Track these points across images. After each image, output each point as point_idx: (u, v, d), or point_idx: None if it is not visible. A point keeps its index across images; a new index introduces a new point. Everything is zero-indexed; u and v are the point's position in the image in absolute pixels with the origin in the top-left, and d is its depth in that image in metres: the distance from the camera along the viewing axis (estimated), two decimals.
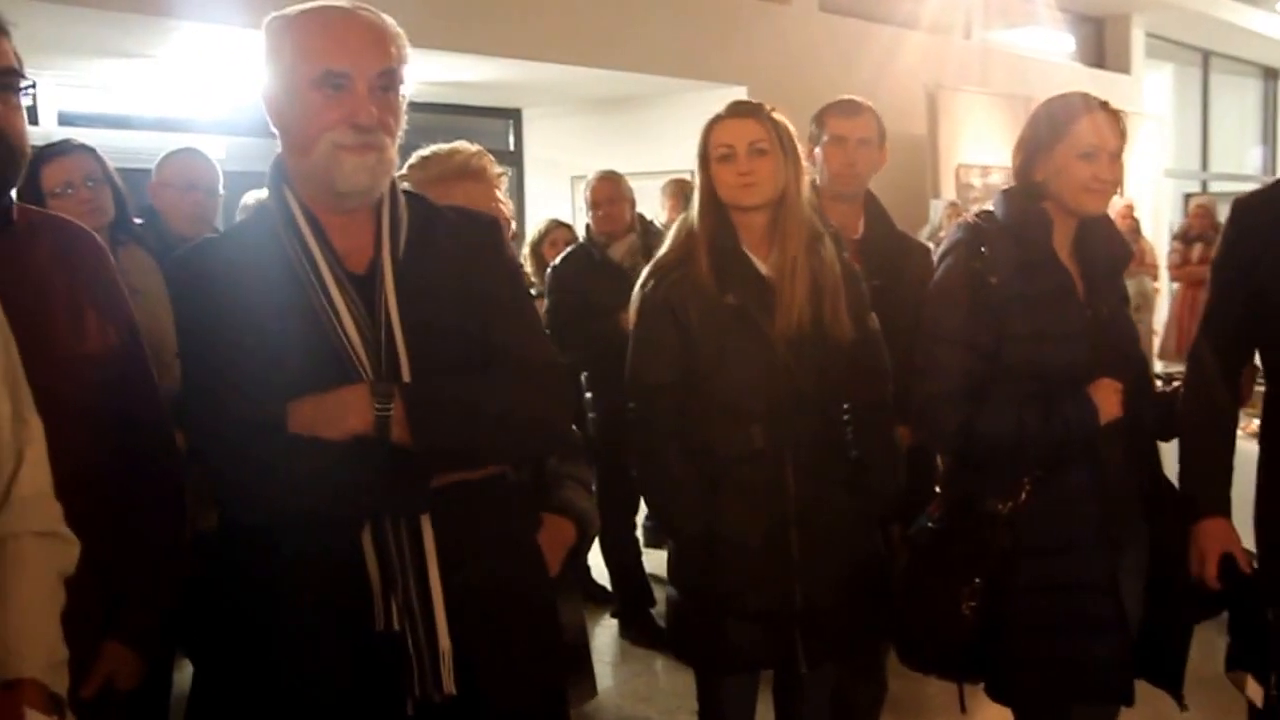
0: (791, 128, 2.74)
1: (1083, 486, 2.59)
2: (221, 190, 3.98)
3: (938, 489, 2.81)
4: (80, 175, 3.30)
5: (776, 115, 2.73)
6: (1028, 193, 2.66)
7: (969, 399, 2.58)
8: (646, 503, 2.94)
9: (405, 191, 2.03)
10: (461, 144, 2.52)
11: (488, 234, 2.07)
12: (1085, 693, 2.63)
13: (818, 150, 3.34)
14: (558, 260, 5.29)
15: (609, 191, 5.25)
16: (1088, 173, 2.58)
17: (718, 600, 2.69)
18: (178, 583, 2.15)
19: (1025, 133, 2.69)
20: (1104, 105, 2.63)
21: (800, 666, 2.72)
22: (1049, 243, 2.62)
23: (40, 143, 5.57)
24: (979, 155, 10.23)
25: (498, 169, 2.54)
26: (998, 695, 2.71)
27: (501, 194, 2.53)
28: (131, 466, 2.09)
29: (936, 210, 8.86)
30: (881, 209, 3.43)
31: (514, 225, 2.57)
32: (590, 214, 5.25)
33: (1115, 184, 2.63)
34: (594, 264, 5.12)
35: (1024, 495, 2.58)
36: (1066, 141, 2.59)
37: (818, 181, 3.33)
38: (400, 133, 1.95)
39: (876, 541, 2.87)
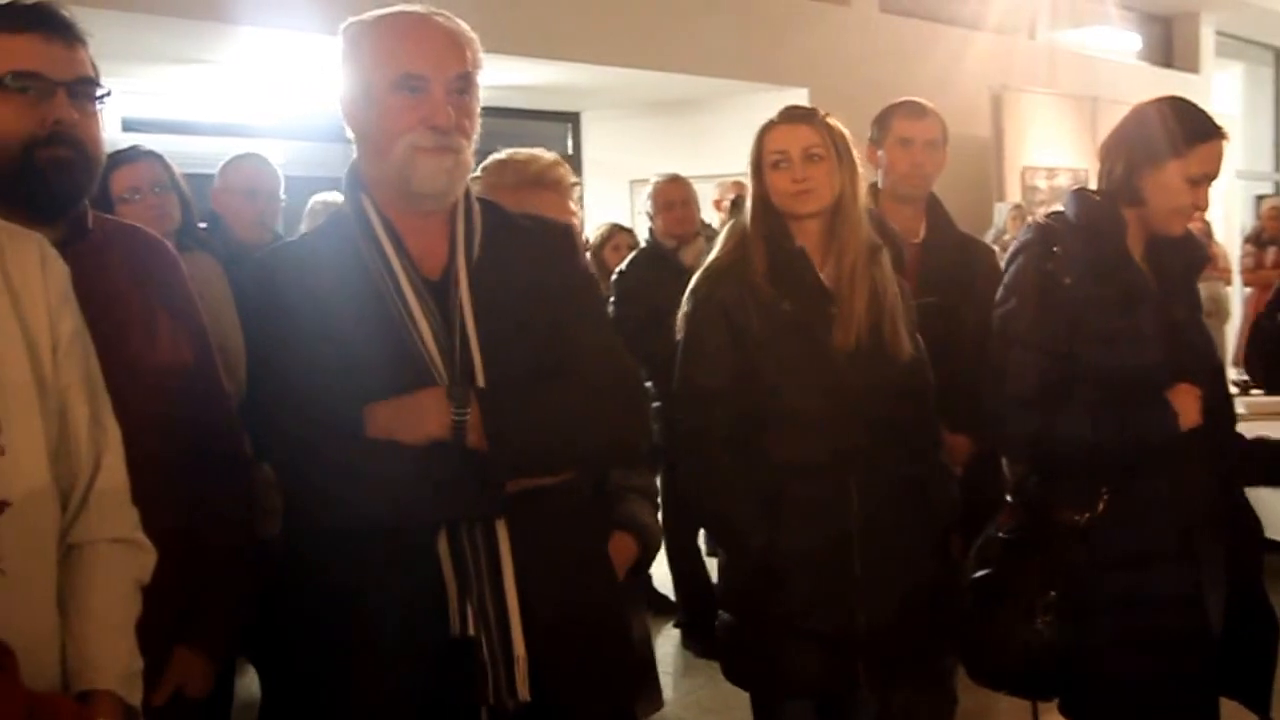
0: (847, 133, 2.68)
1: (1162, 496, 2.51)
2: (283, 195, 3.99)
3: (1008, 498, 2.73)
4: (148, 181, 3.33)
5: (831, 120, 2.67)
6: (1106, 194, 2.59)
7: (1042, 404, 2.51)
8: (699, 516, 2.87)
9: (479, 198, 2.03)
10: (539, 152, 2.51)
11: (562, 241, 2.07)
12: (1169, 712, 2.54)
13: (880, 153, 3.30)
14: (622, 266, 5.20)
15: (684, 193, 5.18)
16: (1188, 199, 2.52)
17: (775, 621, 2.59)
18: (247, 590, 2.16)
19: (1129, 136, 2.58)
20: (1220, 134, 2.55)
21: (862, 691, 2.63)
22: (1124, 244, 2.55)
23: (106, 149, 5.66)
24: (1045, 157, 10.10)
25: (572, 178, 2.53)
26: (1073, 713, 2.62)
27: (574, 204, 2.52)
28: (202, 473, 2.10)
29: (1001, 214, 8.76)
30: (944, 212, 3.37)
31: (586, 235, 2.53)
32: (660, 216, 5.14)
33: (1203, 212, 2.61)
34: (664, 268, 4.98)
35: (1101, 505, 2.51)
36: (1182, 161, 2.51)
37: (879, 184, 3.29)
38: (475, 136, 1.96)
39: (937, 559, 2.76)
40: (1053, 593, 2.52)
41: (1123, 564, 2.51)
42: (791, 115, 2.67)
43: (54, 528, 1.52)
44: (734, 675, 2.79)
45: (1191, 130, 2.52)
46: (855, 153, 2.67)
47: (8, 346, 1.48)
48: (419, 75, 1.86)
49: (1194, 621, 2.52)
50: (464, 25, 1.94)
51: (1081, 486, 2.53)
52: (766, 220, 2.65)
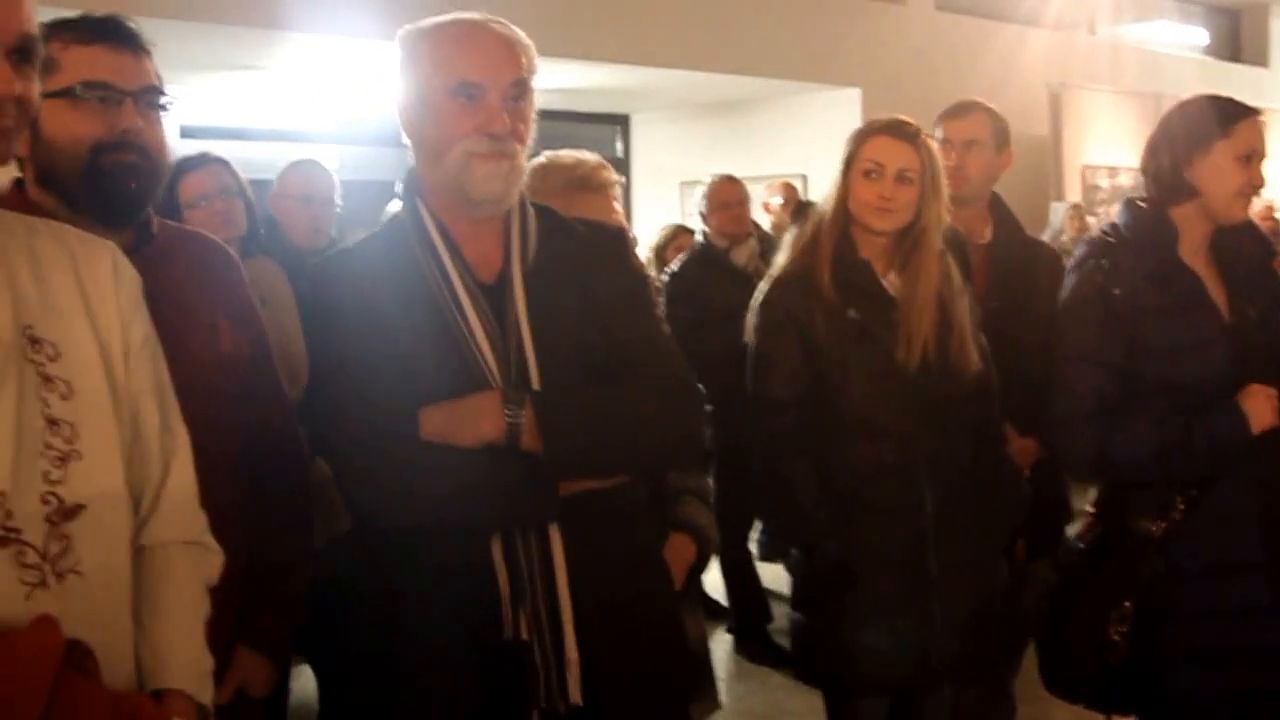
0: (940, 159, 2.67)
1: (1242, 503, 2.46)
2: (339, 201, 4.00)
3: (1090, 508, 2.70)
4: (215, 188, 3.37)
5: (931, 143, 2.67)
6: (1154, 199, 2.58)
7: (1103, 419, 2.49)
8: (772, 521, 2.89)
9: (533, 203, 2.05)
10: (583, 155, 2.52)
11: (615, 244, 2.09)
12: None
13: None
14: (674, 267, 5.21)
15: (739, 193, 5.19)
16: (1244, 178, 2.50)
17: (852, 620, 2.61)
18: (306, 591, 2.19)
19: (1170, 131, 2.58)
20: (1257, 111, 2.55)
21: (942, 687, 2.65)
22: (1174, 252, 2.53)
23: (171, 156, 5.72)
24: (1106, 156, 9.96)
25: (614, 178, 2.54)
26: None
27: (618, 204, 2.53)
28: (263, 475, 2.14)
29: (1058, 213, 8.64)
30: (1009, 214, 3.34)
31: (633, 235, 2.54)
32: (715, 216, 5.14)
33: (1260, 190, 2.57)
34: (717, 268, 5.02)
35: (1177, 515, 2.47)
36: (1229, 141, 2.50)
37: None
38: (530, 141, 1.97)
39: (1004, 562, 2.79)
40: (1126, 603, 2.49)
41: (1200, 575, 2.46)
42: (897, 131, 2.65)
43: (128, 531, 1.54)
44: (807, 674, 2.82)
45: (1228, 111, 2.53)
46: (944, 178, 2.67)
47: (82, 353, 1.50)
48: (475, 83, 1.88)
49: (1274, 636, 2.45)
50: (520, 32, 1.96)
51: (1156, 496, 2.50)
52: (839, 222, 2.66)
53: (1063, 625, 2.58)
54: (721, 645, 5.28)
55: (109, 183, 1.90)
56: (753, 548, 5.54)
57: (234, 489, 2.05)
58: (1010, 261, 3.18)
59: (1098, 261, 2.54)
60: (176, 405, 1.65)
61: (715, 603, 5.51)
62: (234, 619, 2.06)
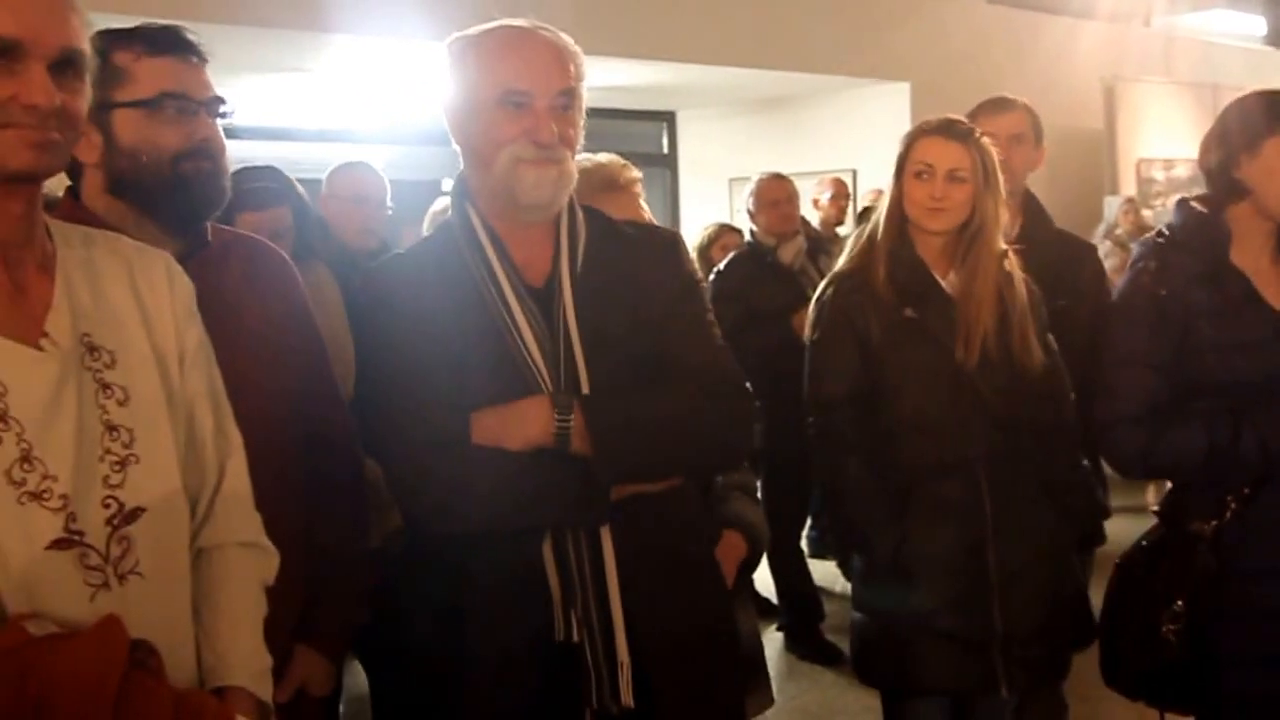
0: (995, 153, 2.67)
1: None
2: (390, 204, 3.99)
3: (1155, 508, 2.67)
4: (268, 232, 3.34)
5: (984, 141, 2.68)
6: (1208, 198, 2.54)
7: (1152, 420, 2.46)
8: (833, 519, 2.89)
9: (584, 207, 2.05)
10: (606, 156, 2.52)
11: (668, 249, 2.09)
12: None
13: None
14: (721, 266, 5.19)
15: (786, 190, 5.19)
16: None
17: (911, 622, 2.61)
18: (364, 591, 2.22)
19: (1225, 125, 2.52)
20: None
21: (1002, 690, 2.63)
22: (1225, 252, 2.48)
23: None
24: (1161, 148, 9.82)
25: (637, 175, 2.54)
26: None
27: (642, 201, 2.53)
28: (318, 476, 2.16)
29: (1111, 207, 8.52)
30: (1041, 209, 3.34)
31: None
32: (763, 214, 5.13)
33: None
34: (762, 267, 5.02)
35: (1228, 515, 2.43)
36: (1278, 139, 2.42)
37: None
38: (579, 145, 1.98)
39: (1073, 563, 2.78)
40: (1179, 602, 2.45)
41: (1252, 575, 2.42)
42: (947, 131, 2.67)
43: (186, 533, 1.59)
44: (867, 674, 2.83)
45: (1279, 108, 2.45)
46: (1000, 175, 2.67)
47: (138, 360, 1.55)
48: (522, 91, 1.89)
49: None
50: (567, 39, 1.96)
51: (1209, 496, 2.46)
52: (896, 224, 2.68)
53: (1119, 623, 2.56)
54: (772, 643, 5.25)
55: (191, 190, 1.96)
56: (804, 545, 5.52)
57: (292, 488, 2.09)
58: (1043, 256, 3.12)
59: (1146, 263, 2.53)
60: (229, 409, 1.69)
61: (766, 600, 5.49)
62: (293, 618, 2.09)
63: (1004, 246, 2.68)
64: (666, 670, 1.93)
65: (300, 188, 3.54)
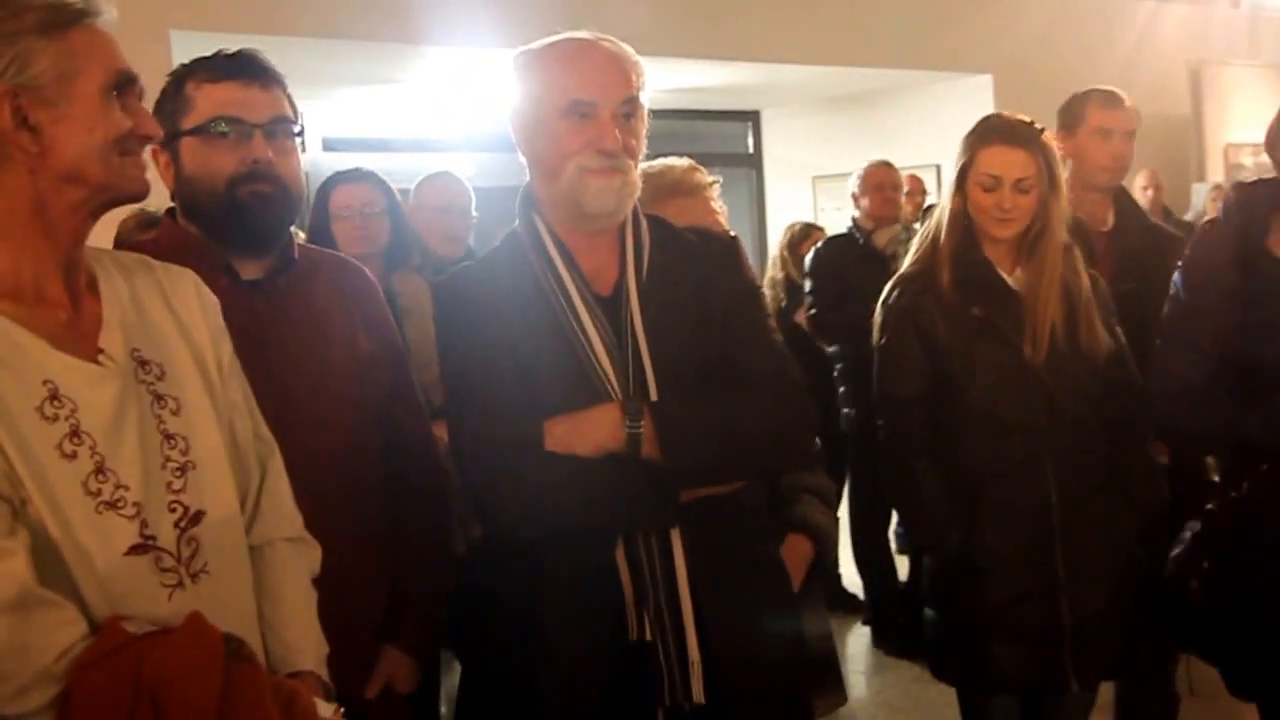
0: (1056, 150, 2.67)
1: None
2: (475, 212, 4.12)
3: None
4: (360, 201, 3.50)
5: (1047, 139, 2.67)
6: (1266, 181, 2.54)
7: (1189, 395, 2.49)
8: (901, 518, 2.90)
9: (646, 215, 2.09)
10: (672, 160, 2.55)
11: (727, 255, 2.12)
12: None
13: (1071, 141, 3.25)
14: (819, 245, 5.33)
15: (892, 178, 5.34)
16: None
17: (981, 619, 2.63)
18: (447, 592, 2.29)
19: None
20: None
21: (1071, 686, 2.64)
22: (1260, 236, 2.47)
23: (308, 169, 5.94)
24: (1250, 133, 9.59)
25: (708, 178, 2.56)
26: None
27: (716, 203, 2.55)
28: (402, 483, 2.23)
29: (1200, 194, 8.37)
30: (1132, 200, 3.36)
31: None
32: (867, 197, 5.27)
33: None
34: (856, 249, 5.13)
35: (1245, 487, 2.47)
36: None
37: (1067, 174, 3.22)
38: (642, 154, 2.02)
39: (1139, 555, 2.76)
40: (1205, 563, 2.50)
41: (1262, 549, 2.44)
42: (1011, 138, 2.65)
43: (242, 531, 1.67)
44: (941, 671, 2.84)
45: None
46: (1063, 171, 2.67)
47: (184, 371, 1.63)
48: (587, 101, 1.93)
49: None
50: (629, 49, 2.00)
51: (1232, 466, 2.53)
52: (960, 223, 2.68)
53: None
54: (860, 639, 5.28)
55: (246, 213, 2.01)
56: (892, 539, 5.53)
57: (374, 494, 2.17)
58: (1135, 246, 3.18)
59: (1191, 247, 2.57)
60: (260, 414, 1.77)
61: (853, 597, 5.53)
62: (378, 618, 2.17)
63: (1067, 240, 2.67)
64: (736, 668, 1.96)
65: (397, 195, 3.65)
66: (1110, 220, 3.26)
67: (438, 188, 4.03)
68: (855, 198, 5.34)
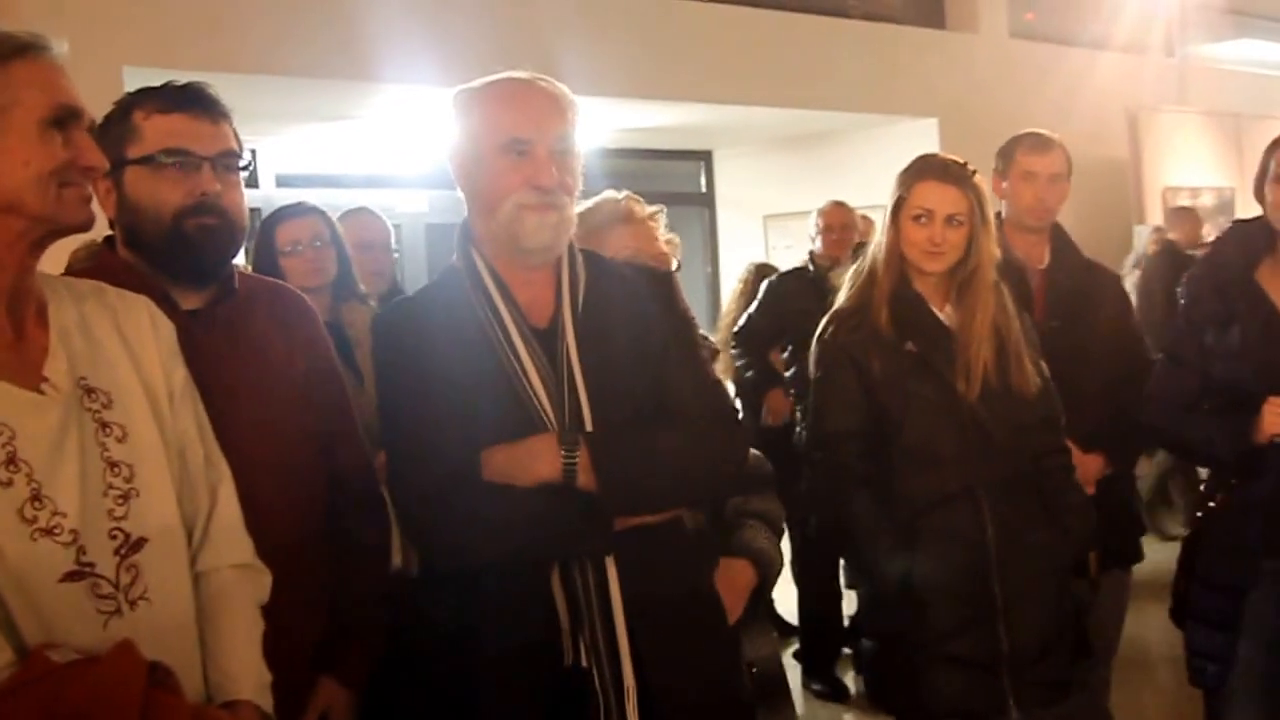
0: (986, 189, 2.74)
1: (1258, 499, 2.68)
2: (395, 247, 4.05)
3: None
4: (308, 236, 3.46)
5: (978, 179, 2.73)
6: (1250, 220, 2.81)
7: (1170, 409, 2.83)
8: (839, 550, 2.94)
9: (581, 250, 2.13)
10: (607, 193, 2.59)
11: (662, 288, 2.17)
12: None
13: (1004, 184, 3.32)
14: (774, 278, 5.55)
15: (846, 218, 5.56)
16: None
17: (920, 648, 2.66)
18: (384, 625, 2.28)
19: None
20: None
21: (1011, 713, 2.67)
22: (1247, 267, 2.73)
23: (261, 204, 5.92)
24: (1188, 177, 9.82)
25: (649, 209, 2.60)
26: None
27: (662, 230, 2.59)
28: (341, 512, 2.23)
29: (1141, 237, 8.52)
30: (1067, 238, 3.41)
31: (677, 260, 2.65)
32: (821, 237, 5.48)
33: None
34: (805, 282, 5.27)
35: (1219, 499, 2.80)
36: (1272, 162, 2.71)
37: (1002, 214, 3.32)
38: (578, 191, 2.07)
39: (1069, 582, 2.83)
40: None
41: (1218, 552, 2.76)
42: (943, 175, 2.71)
43: (186, 559, 1.68)
44: (880, 700, 2.89)
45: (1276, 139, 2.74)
46: (992, 211, 2.76)
47: (132, 400, 1.64)
48: (524, 139, 1.98)
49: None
50: (564, 88, 2.05)
51: (1213, 479, 2.83)
52: (894, 264, 2.73)
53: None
54: (791, 670, 5.24)
55: (192, 246, 2.01)
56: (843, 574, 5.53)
57: (315, 524, 2.17)
58: (1069, 284, 3.26)
59: (1187, 275, 2.87)
60: (215, 441, 1.78)
61: (786, 623, 5.56)
62: (316, 650, 2.15)
63: (996, 278, 2.73)
64: (671, 695, 1.99)
65: (339, 228, 3.61)
66: (1046, 259, 3.33)
67: (360, 224, 3.94)
68: (812, 238, 5.54)
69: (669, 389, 2.06)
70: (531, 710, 1.97)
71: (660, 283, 2.18)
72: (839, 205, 5.61)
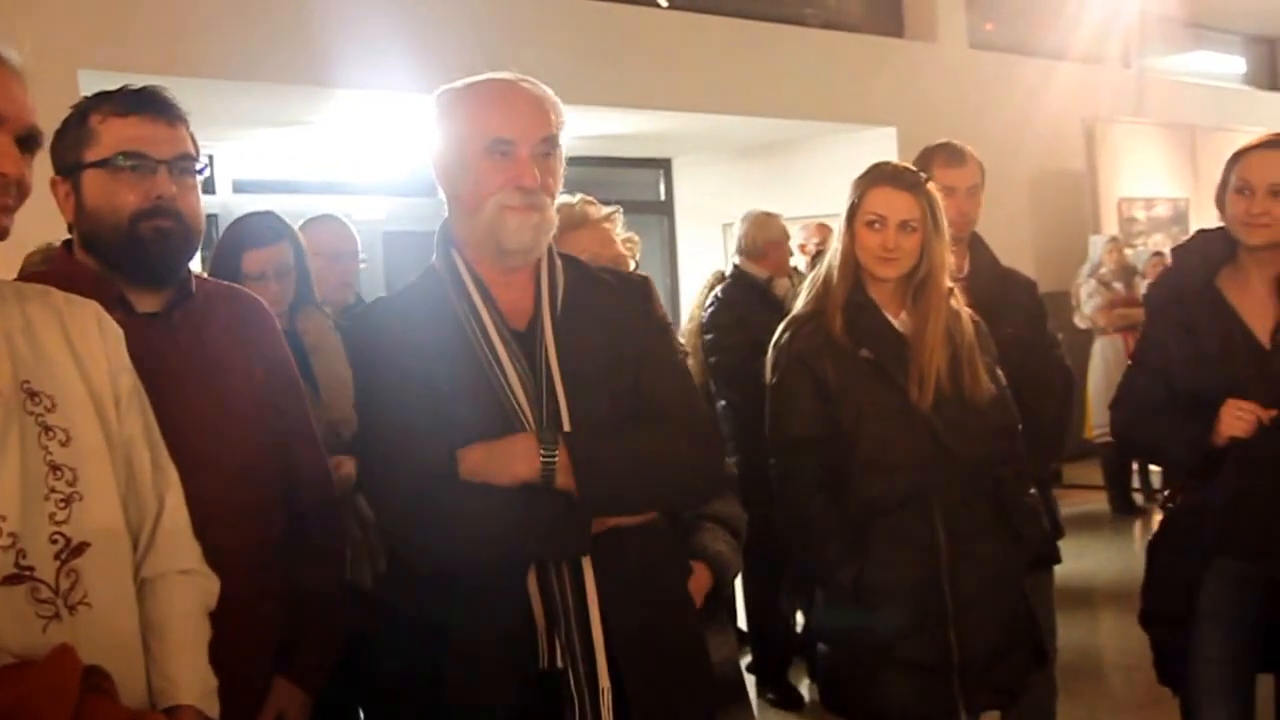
0: (941, 202, 2.75)
1: (1214, 499, 2.77)
2: (363, 256, 4.02)
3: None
4: (273, 269, 3.36)
5: (931, 187, 2.75)
6: (1212, 230, 2.92)
7: (1137, 413, 2.93)
8: (795, 554, 2.94)
9: (560, 254, 2.14)
10: (564, 198, 2.55)
11: (639, 293, 2.18)
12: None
13: None
14: (719, 290, 5.27)
15: (775, 232, 5.34)
16: (1242, 207, 2.78)
17: (872, 652, 2.67)
18: (341, 628, 2.28)
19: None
20: (1274, 141, 2.82)
21: (961, 717, 2.68)
22: (1208, 276, 2.85)
23: (218, 211, 5.84)
24: (1143, 188, 9.93)
25: (605, 209, 2.61)
26: None
27: (619, 232, 2.60)
28: (296, 514, 2.23)
29: (1096, 246, 8.61)
30: (985, 247, 3.48)
31: (635, 260, 2.66)
32: (755, 253, 5.26)
33: (1275, 219, 2.78)
34: (756, 295, 5.10)
35: (1178, 498, 2.98)
36: (1232, 174, 2.82)
37: None
38: (559, 193, 2.07)
39: (1022, 588, 2.85)
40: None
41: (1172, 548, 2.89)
42: (897, 181, 2.73)
43: (130, 564, 1.67)
44: (833, 705, 2.86)
45: (1241, 147, 2.86)
46: (945, 219, 2.77)
47: (76, 404, 1.63)
48: (507, 139, 1.98)
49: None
50: (548, 90, 2.05)
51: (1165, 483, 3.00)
52: (849, 270, 2.75)
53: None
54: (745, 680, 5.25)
55: (147, 248, 2.01)
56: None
57: (272, 529, 2.17)
58: (985, 293, 3.26)
59: (1150, 285, 3.04)
60: (164, 446, 1.76)
61: (739, 630, 5.52)
62: (272, 652, 2.16)
63: (950, 285, 2.75)
64: (645, 695, 1.99)
65: (301, 238, 3.58)
66: (965, 267, 3.37)
67: (331, 234, 3.88)
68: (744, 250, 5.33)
69: (647, 393, 2.06)
70: (506, 711, 1.97)
71: (638, 288, 2.19)
72: (773, 217, 5.40)
